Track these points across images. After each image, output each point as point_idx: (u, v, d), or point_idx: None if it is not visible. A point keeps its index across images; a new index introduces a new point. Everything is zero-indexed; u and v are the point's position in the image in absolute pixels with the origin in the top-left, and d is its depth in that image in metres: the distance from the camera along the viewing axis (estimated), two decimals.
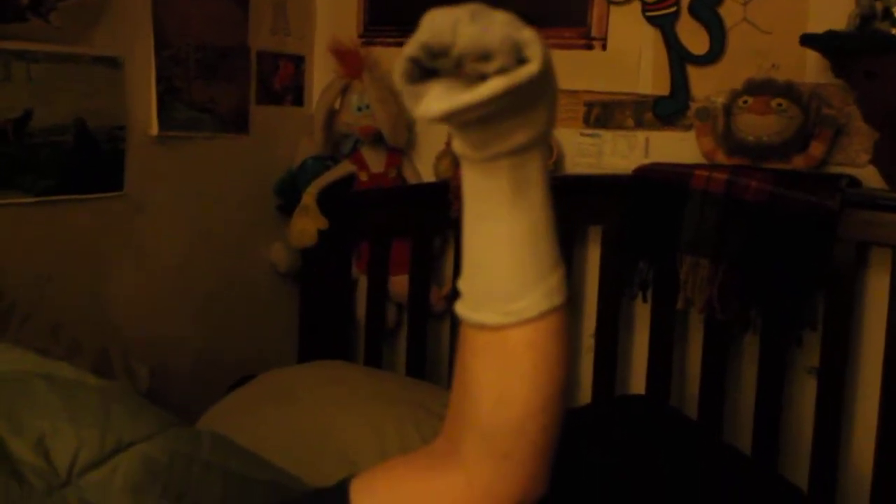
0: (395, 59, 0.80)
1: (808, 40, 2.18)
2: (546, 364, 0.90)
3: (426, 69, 0.79)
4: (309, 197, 2.71)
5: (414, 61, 0.78)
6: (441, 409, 1.81)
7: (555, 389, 0.91)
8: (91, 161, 2.30)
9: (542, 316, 0.89)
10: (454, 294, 0.95)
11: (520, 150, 0.84)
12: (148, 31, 2.43)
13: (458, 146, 0.85)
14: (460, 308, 0.92)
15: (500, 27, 0.76)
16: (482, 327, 0.90)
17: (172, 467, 1.33)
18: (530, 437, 0.91)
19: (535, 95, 0.81)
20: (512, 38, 0.77)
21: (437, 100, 0.77)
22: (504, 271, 0.89)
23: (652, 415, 2.12)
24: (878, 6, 2.12)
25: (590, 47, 2.57)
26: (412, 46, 0.78)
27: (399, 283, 2.72)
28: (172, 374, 2.42)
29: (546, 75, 0.79)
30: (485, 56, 0.76)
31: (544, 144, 0.88)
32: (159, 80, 2.46)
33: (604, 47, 2.56)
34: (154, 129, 2.46)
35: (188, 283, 2.61)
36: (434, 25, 0.77)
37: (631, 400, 2.38)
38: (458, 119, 0.79)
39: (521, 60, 0.77)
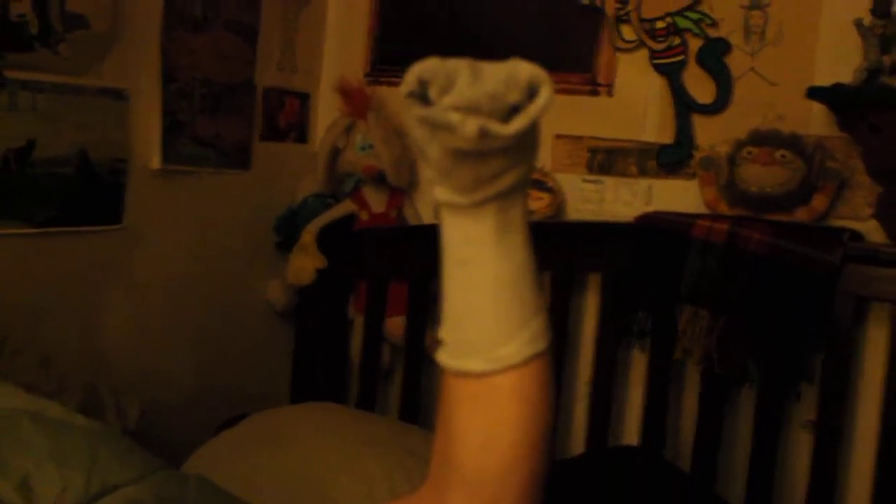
0: (401, 100, 0.81)
1: (814, 93, 2.19)
2: (531, 410, 0.90)
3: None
4: (308, 235, 2.70)
5: (412, 95, 0.80)
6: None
7: (541, 436, 0.91)
8: (91, 193, 2.29)
9: (527, 362, 0.89)
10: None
11: (507, 193, 0.85)
12: (155, 65, 2.43)
13: (445, 194, 0.86)
14: (443, 357, 0.92)
15: (493, 85, 0.78)
16: (466, 375, 0.90)
17: None
18: (516, 484, 0.90)
19: (535, 132, 0.83)
20: (503, 97, 0.78)
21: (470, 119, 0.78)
22: (488, 317, 0.89)
23: (645, 467, 2.10)
24: (886, 61, 2.12)
25: (595, 93, 2.57)
26: (408, 83, 0.80)
27: (395, 325, 2.71)
28: (164, 410, 2.39)
29: None
30: (476, 110, 0.78)
31: (527, 186, 0.88)
32: (164, 113, 2.45)
33: (610, 94, 2.57)
34: (156, 163, 2.44)
35: (183, 319, 2.59)
36: (428, 66, 0.79)
37: (624, 451, 2.36)
38: (485, 145, 0.79)
39: (532, 95, 0.79)
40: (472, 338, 0.90)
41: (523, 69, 0.79)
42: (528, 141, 0.83)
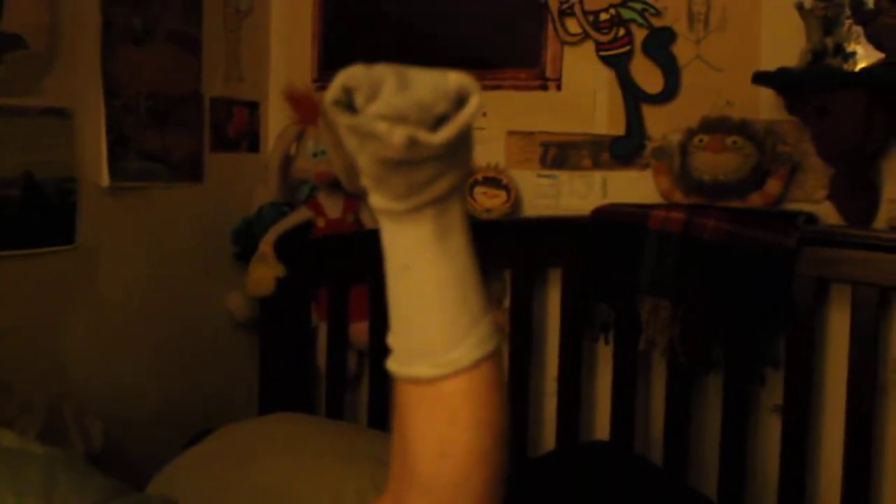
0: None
1: (760, 78, 2.20)
2: (484, 413, 0.89)
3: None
4: (266, 245, 2.67)
5: (337, 104, 0.78)
6: None
7: (496, 438, 0.89)
8: (40, 214, 2.25)
9: (477, 364, 0.87)
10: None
11: (443, 198, 0.84)
12: (97, 81, 2.39)
13: (379, 201, 0.84)
14: (392, 364, 0.91)
15: (421, 94, 0.77)
16: (416, 381, 0.89)
17: None
18: (474, 488, 0.89)
19: (467, 138, 0.82)
20: (431, 106, 0.77)
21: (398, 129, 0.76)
22: (434, 321, 0.87)
23: (615, 462, 2.09)
24: (830, 42, 2.13)
25: (545, 88, 2.57)
26: (333, 90, 0.78)
27: (360, 330, 2.68)
28: (129, 428, 2.36)
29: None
30: (403, 119, 0.77)
31: (464, 188, 0.87)
32: (110, 129, 2.41)
33: (558, 88, 2.56)
34: (105, 181, 2.40)
35: (144, 336, 2.55)
36: (352, 73, 0.77)
37: (595, 446, 2.35)
38: (414, 153, 0.78)
39: (460, 103, 0.78)
40: (420, 343, 0.88)
41: (452, 78, 0.78)
42: (460, 146, 0.81)
